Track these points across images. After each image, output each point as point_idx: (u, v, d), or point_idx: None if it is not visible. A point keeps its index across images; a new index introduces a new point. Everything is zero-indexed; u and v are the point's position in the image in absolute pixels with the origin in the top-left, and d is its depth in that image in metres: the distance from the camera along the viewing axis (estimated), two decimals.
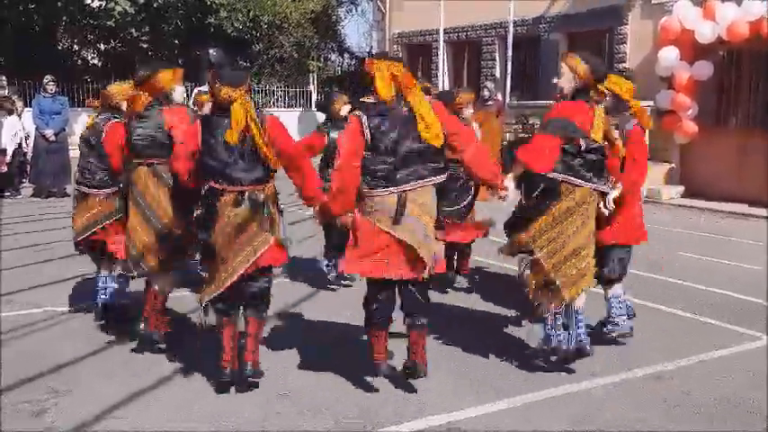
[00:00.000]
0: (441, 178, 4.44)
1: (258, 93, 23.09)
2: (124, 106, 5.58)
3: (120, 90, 5.86)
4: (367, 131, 4.35)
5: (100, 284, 5.90)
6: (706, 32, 12.66)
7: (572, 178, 4.73)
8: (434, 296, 6.79)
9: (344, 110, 7.00)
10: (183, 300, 6.33)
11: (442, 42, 17.92)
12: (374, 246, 4.36)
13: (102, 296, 5.88)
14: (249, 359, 4.61)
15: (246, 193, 4.49)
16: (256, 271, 4.56)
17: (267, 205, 4.54)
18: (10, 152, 12.73)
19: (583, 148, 4.71)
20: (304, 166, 4.69)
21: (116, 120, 5.64)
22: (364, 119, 4.37)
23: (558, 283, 4.79)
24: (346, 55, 30.69)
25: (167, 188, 5.06)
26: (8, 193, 12.68)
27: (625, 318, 5.58)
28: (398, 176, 4.33)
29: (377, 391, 4.69)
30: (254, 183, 4.51)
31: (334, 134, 6.66)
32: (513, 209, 5.16)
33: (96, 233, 5.74)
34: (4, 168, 12.54)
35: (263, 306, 4.69)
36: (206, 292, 4.60)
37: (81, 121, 19.95)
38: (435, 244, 4.46)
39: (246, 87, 4.52)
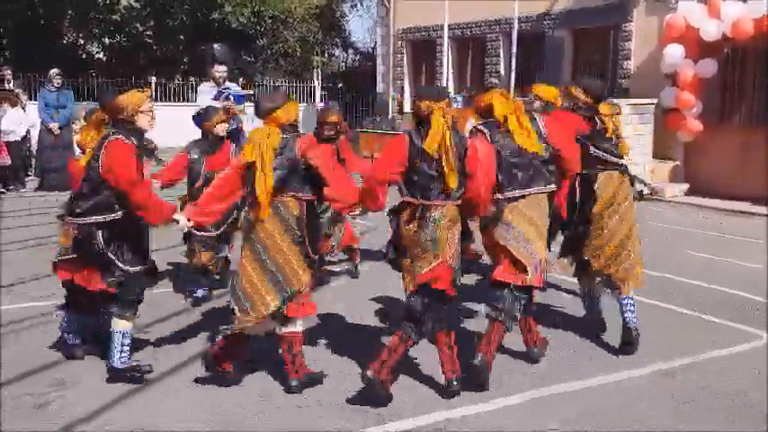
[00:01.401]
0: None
1: (262, 87, 23.11)
2: (141, 121, 4.74)
3: (136, 99, 4.73)
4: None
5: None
6: (711, 30, 12.63)
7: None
8: None
9: (220, 128, 6.37)
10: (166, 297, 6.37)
11: (446, 39, 17.88)
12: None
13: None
14: (449, 370, 4.58)
15: (427, 209, 4.46)
16: (426, 288, 4.48)
17: (440, 226, 4.44)
18: (5, 139, 12.66)
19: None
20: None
21: (117, 137, 4.63)
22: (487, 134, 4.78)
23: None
24: (350, 50, 30.72)
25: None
26: (12, 186, 12.71)
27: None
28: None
29: None
30: (435, 199, 4.46)
31: (196, 155, 6.26)
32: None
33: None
34: (8, 161, 12.57)
35: (431, 321, 4.54)
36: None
37: None
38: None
39: (446, 103, 4.55)
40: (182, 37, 21.19)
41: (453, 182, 4.42)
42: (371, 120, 18.36)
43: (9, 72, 14.97)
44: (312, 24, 24.55)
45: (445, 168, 4.40)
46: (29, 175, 13.56)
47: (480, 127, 4.86)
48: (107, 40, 23.24)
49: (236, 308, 4.54)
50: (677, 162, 14.05)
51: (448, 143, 4.40)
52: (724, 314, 6.39)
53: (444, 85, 17.99)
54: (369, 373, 4.39)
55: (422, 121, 4.52)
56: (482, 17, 17.85)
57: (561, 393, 4.70)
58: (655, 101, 13.58)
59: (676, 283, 7.48)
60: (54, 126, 12.81)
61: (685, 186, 13.82)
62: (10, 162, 12.64)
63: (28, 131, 13.59)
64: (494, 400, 4.56)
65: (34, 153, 13.60)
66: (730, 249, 9.17)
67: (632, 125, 13.36)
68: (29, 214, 10.52)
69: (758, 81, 13.14)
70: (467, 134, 4.82)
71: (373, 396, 4.43)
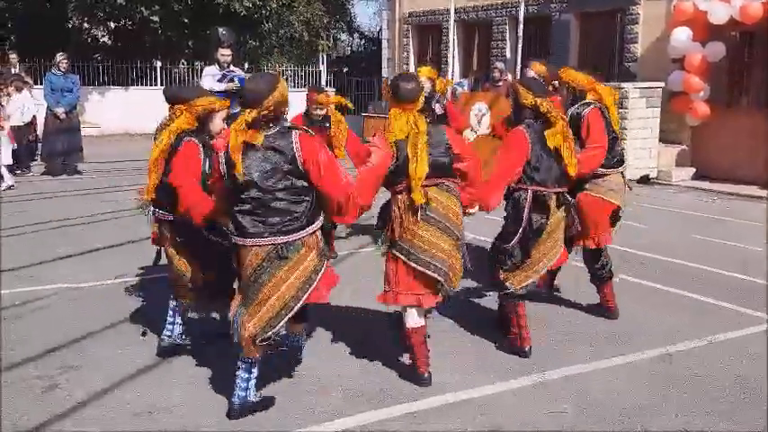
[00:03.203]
0: None
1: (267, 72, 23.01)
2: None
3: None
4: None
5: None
6: (719, 13, 12.53)
7: None
8: None
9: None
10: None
11: (452, 23, 17.79)
12: None
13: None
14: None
15: (562, 197, 5.00)
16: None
17: (573, 207, 5.15)
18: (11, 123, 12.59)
19: None
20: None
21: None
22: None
23: None
24: (356, 35, 30.61)
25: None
26: (18, 171, 12.71)
27: None
28: None
29: (384, 370, 4.73)
30: (563, 185, 5.02)
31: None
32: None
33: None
34: (15, 145, 12.57)
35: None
36: (516, 281, 4.99)
37: (92, 99, 20.06)
38: None
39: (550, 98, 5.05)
40: (186, 21, 21.10)
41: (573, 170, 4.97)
42: (376, 104, 18.32)
43: (15, 56, 14.96)
44: (317, 8, 24.43)
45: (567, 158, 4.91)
46: (35, 160, 13.57)
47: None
48: (112, 24, 23.15)
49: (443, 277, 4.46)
50: (684, 146, 13.99)
51: (566, 137, 4.91)
52: (728, 298, 6.39)
53: (451, 69, 17.94)
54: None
55: (538, 115, 4.92)
56: (488, 1, 17.75)
57: (564, 377, 4.71)
58: (662, 84, 13.51)
59: (681, 266, 7.47)
60: (60, 110, 12.82)
61: (692, 170, 13.78)
62: (16, 146, 12.64)
63: (34, 116, 13.59)
64: (498, 383, 4.58)
65: (40, 137, 13.60)
66: (736, 233, 9.14)
67: (639, 109, 13.32)
68: (38, 198, 10.55)
69: (766, 64, 13.05)
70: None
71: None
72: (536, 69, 6.21)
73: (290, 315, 3.99)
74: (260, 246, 3.91)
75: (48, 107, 12.96)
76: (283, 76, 23.93)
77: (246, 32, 21.56)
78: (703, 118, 13.28)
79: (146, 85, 21.42)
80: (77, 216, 9.23)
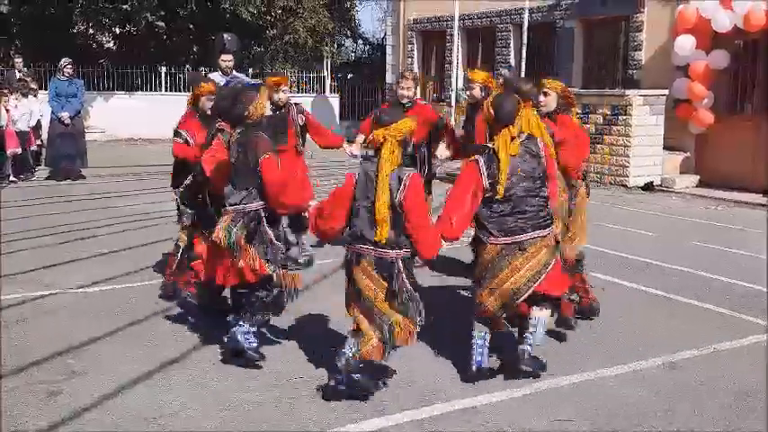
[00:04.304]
0: None
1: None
2: None
3: None
4: None
5: None
6: (723, 21, 12.55)
7: None
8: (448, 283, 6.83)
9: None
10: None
11: (456, 29, 17.82)
12: None
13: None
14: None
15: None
16: None
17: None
18: (16, 128, 12.61)
19: None
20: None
21: None
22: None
23: None
24: (360, 41, 30.67)
25: None
26: (22, 176, 12.74)
27: None
28: None
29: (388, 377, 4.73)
30: None
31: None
32: None
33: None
34: (19, 150, 12.62)
35: None
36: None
37: (96, 105, 20.12)
38: None
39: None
40: (191, 27, 21.19)
41: None
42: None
43: (20, 61, 15.02)
44: (322, 15, 24.51)
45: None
46: (39, 165, 13.61)
47: None
48: (117, 30, 23.24)
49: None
50: (688, 153, 13.99)
51: None
52: (731, 306, 6.38)
53: (454, 75, 17.98)
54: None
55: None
56: (492, 8, 17.78)
57: (569, 385, 4.70)
58: (666, 92, 13.52)
59: (684, 274, 7.46)
60: (65, 115, 12.85)
61: (696, 178, 13.77)
62: (20, 151, 12.69)
63: (39, 121, 13.64)
64: (505, 391, 4.57)
65: (44, 142, 13.64)
66: (739, 241, 9.14)
67: (643, 116, 13.32)
68: (42, 203, 10.58)
69: None
70: None
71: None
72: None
73: (521, 298, 4.53)
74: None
75: (52, 112, 13.00)
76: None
77: (251, 38, 21.65)
78: (707, 126, 13.28)
79: (150, 90, 21.49)
80: (82, 221, 9.24)
